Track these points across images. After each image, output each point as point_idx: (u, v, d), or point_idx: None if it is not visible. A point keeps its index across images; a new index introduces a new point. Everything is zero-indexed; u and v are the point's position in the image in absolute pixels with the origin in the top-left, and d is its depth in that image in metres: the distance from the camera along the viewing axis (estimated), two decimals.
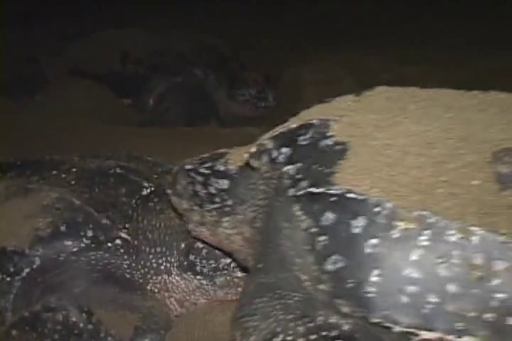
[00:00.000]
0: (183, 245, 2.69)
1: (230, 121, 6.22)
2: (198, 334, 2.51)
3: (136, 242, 2.69)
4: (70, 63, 6.35)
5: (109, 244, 2.66)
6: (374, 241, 1.77)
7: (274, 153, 2.09)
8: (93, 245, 2.64)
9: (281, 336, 1.85)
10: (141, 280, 2.67)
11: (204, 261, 2.66)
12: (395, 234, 1.75)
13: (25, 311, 2.40)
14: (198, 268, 2.66)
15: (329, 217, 1.85)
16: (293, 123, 2.12)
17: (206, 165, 2.41)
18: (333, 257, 1.82)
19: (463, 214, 1.72)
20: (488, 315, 1.68)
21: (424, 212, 1.74)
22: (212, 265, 2.66)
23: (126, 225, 2.70)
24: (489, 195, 1.75)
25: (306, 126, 2.07)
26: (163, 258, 2.68)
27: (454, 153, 1.84)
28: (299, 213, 1.93)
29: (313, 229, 1.88)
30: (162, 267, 2.68)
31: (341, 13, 8.68)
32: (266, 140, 2.15)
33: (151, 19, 8.23)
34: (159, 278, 2.68)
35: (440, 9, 8.18)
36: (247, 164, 2.23)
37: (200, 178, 2.41)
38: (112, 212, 2.71)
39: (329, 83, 6.18)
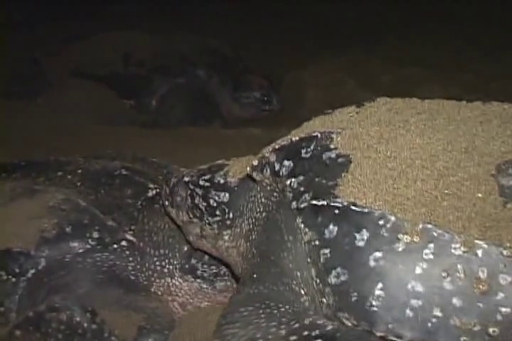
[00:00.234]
0: (185, 248, 2.71)
1: (232, 123, 6.23)
2: (200, 334, 2.51)
3: (141, 244, 2.70)
4: (71, 65, 6.33)
5: (115, 246, 2.66)
6: (378, 254, 1.77)
7: (277, 166, 2.08)
8: (99, 247, 2.64)
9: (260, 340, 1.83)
10: (145, 282, 2.68)
11: (205, 266, 2.69)
12: (399, 247, 1.75)
13: (29, 311, 2.40)
14: (199, 272, 2.68)
15: (332, 229, 1.85)
16: (295, 136, 2.11)
17: (205, 178, 2.41)
18: (337, 270, 1.82)
19: (467, 227, 1.72)
20: (492, 329, 1.68)
21: (428, 225, 1.74)
22: (214, 270, 2.69)
23: (132, 227, 2.71)
24: (493, 207, 1.75)
25: (308, 139, 2.06)
26: (167, 261, 2.70)
27: (457, 165, 1.83)
28: (301, 226, 1.92)
29: (316, 242, 1.87)
30: (165, 270, 2.69)
31: (342, 16, 8.68)
32: (268, 152, 2.14)
33: (151, 20, 8.23)
34: (162, 281, 2.69)
35: (441, 12, 8.17)
36: (249, 176, 2.23)
37: (199, 191, 2.41)
38: (117, 213, 2.72)
39: (330, 85, 6.20)
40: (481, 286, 1.68)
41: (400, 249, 1.75)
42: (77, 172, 2.89)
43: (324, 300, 1.87)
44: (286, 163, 2.06)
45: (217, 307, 2.65)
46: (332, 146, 1.99)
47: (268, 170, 2.12)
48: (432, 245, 1.73)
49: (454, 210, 1.75)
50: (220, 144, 5.03)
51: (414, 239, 1.74)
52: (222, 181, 2.36)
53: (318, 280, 1.88)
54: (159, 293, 2.69)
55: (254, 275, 2.09)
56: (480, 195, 1.77)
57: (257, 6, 9.33)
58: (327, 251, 1.85)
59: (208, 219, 2.40)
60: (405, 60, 6.62)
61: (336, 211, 1.85)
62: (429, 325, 1.71)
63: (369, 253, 1.78)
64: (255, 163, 2.18)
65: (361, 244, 1.79)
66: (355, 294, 1.78)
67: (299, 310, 1.92)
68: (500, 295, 1.67)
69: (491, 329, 1.68)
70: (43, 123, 5.37)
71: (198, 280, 2.68)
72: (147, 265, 2.69)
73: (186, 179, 2.46)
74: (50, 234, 2.62)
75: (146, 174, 2.92)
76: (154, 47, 6.44)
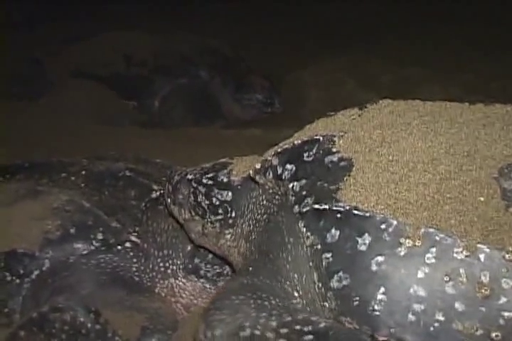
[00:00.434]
0: (189, 247, 2.71)
1: (234, 123, 6.23)
2: None
3: (145, 245, 2.70)
4: (72, 65, 6.32)
5: (119, 247, 2.66)
6: (380, 258, 1.77)
7: (279, 170, 2.08)
8: (103, 248, 2.65)
9: (248, 330, 1.80)
10: (149, 284, 2.68)
11: (209, 266, 2.69)
12: (401, 251, 1.75)
13: (33, 312, 2.40)
14: (202, 271, 2.69)
15: (334, 234, 1.84)
16: (297, 139, 2.11)
17: (209, 176, 2.40)
18: (339, 274, 1.82)
19: (469, 231, 1.72)
20: (495, 334, 1.68)
21: (430, 230, 1.74)
22: (217, 270, 2.69)
23: (136, 228, 2.71)
24: (495, 211, 1.75)
25: (310, 142, 2.06)
26: (170, 261, 2.70)
27: (459, 169, 1.83)
28: (303, 230, 1.92)
29: (318, 246, 1.87)
30: (169, 270, 2.70)
31: (342, 16, 8.68)
32: (271, 156, 2.14)
33: (151, 20, 8.23)
34: (166, 282, 2.70)
35: (441, 12, 8.17)
36: (251, 178, 2.23)
37: (202, 189, 2.40)
38: (121, 215, 2.72)
39: (331, 85, 6.20)
40: (483, 290, 1.68)
41: (402, 253, 1.75)
42: (80, 174, 2.89)
43: (326, 304, 1.86)
44: (288, 166, 2.06)
45: None
46: (334, 150, 1.98)
47: (271, 174, 2.12)
48: (433, 249, 1.72)
49: (456, 214, 1.75)
50: (221, 144, 5.03)
51: (416, 243, 1.74)
52: (225, 180, 2.35)
53: (320, 285, 1.87)
54: (163, 294, 2.69)
55: (250, 268, 2.08)
56: (482, 199, 1.77)
57: (257, 6, 9.34)
58: (329, 255, 1.85)
59: (210, 218, 2.39)
60: (405, 60, 6.63)
61: (338, 215, 1.85)
62: (432, 329, 1.71)
63: (371, 257, 1.77)
64: (258, 166, 2.18)
65: (363, 248, 1.79)
66: (357, 298, 1.78)
67: (290, 307, 1.91)
68: (503, 299, 1.67)
69: (493, 334, 1.68)
70: (43, 124, 5.37)
71: (202, 280, 2.69)
72: (151, 266, 2.69)
73: (189, 177, 2.45)
74: (54, 236, 2.62)
75: (150, 175, 2.92)
76: (154, 48, 6.44)
